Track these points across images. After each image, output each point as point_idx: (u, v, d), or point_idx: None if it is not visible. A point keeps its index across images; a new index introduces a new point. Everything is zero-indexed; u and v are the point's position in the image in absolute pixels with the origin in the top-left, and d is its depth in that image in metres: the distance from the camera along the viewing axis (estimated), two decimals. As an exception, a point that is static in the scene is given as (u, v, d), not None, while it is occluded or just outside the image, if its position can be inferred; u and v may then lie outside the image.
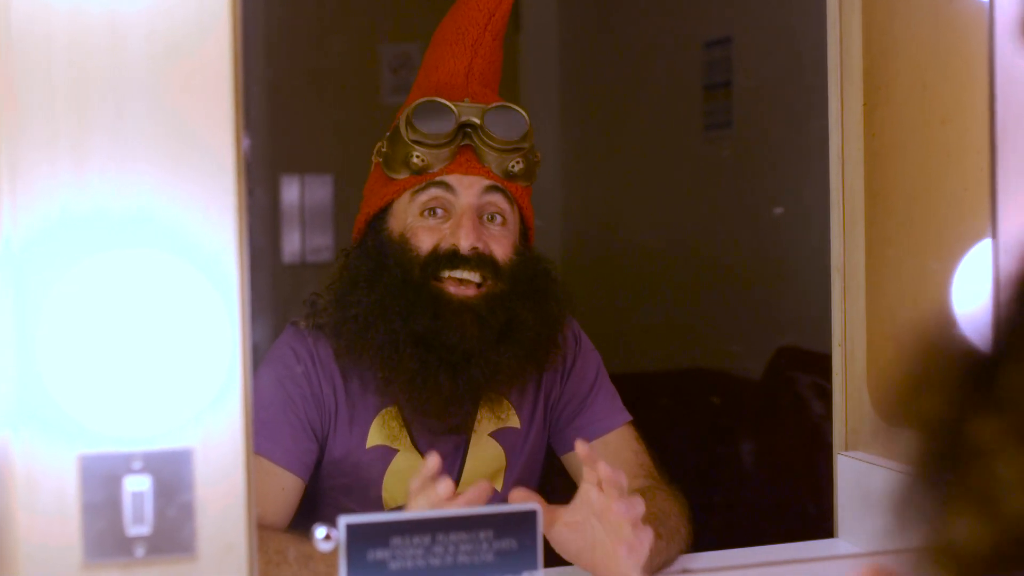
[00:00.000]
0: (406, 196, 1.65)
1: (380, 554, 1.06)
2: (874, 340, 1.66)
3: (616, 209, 4.18)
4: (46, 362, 0.97)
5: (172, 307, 0.99)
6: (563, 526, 1.42)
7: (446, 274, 1.62)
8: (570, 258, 4.21)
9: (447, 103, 1.62)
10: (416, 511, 1.33)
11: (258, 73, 4.01)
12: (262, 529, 1.26)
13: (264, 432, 1.60)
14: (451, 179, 1.63)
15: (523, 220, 1.71)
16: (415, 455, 1.70)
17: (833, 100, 1.70)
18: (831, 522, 1.74)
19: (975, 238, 1.41)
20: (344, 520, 1.05)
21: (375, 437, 1.69)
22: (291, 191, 4.17)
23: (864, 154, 1.66)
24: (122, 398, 0.98)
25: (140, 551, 0.99)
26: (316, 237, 4.16)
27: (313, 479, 1.69)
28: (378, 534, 1.06)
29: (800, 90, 3.11)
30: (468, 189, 1.63)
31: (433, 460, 1.38)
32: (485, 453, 1.74)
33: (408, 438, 1.70)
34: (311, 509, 1.71)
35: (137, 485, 0.99)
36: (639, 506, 1.39)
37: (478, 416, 1.71)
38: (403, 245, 1.64)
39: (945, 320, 1.24)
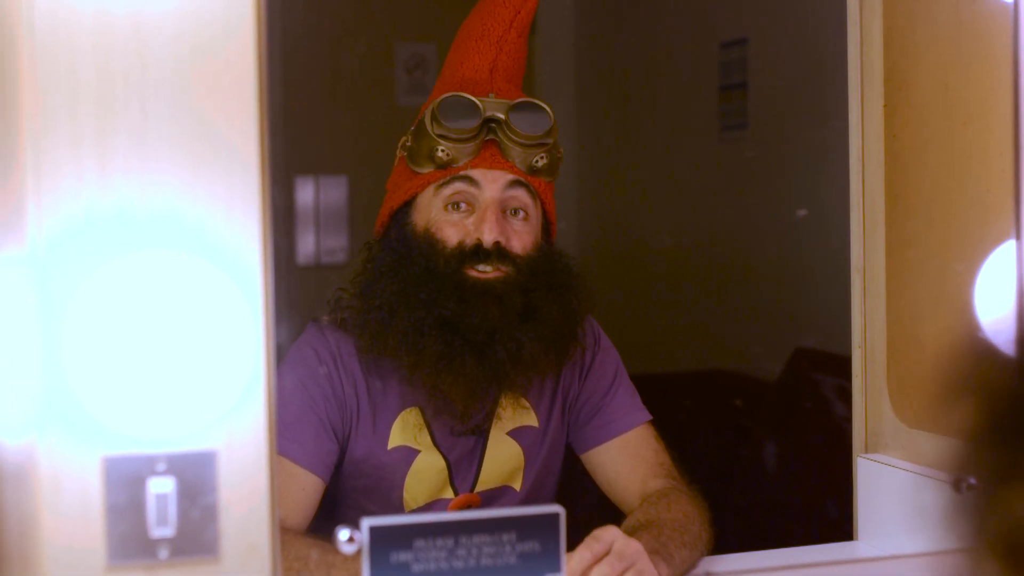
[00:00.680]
0: (430, 190, 1.66)
1: (403, 556, 1.06)
2: (894, 342, 1.66)
3: (632, 210, 4.18)
4: (70, 364, 0.97)
5: (196, 308, 0.99)
6: None
7: (469, 268, 1.62)
8: (586, 259, 4.21)
9: (472, 98, 1.62)
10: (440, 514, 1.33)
11: (274, 74, 4.01)
12: (284, 532, 1.26)
13: (285, 432, 1.61)
14: (475, 173, 1.63)
15: (545, 215, 1.71)
16: (436, 455, 1.70)
17: (853, 101, 1.70)
18: (851, 525, 1.73)
19: (998, 240, 1.40)
20: (367, 522, 1.05)
21: (396, 438, 1.69)
22: (306, 192, 4.17)
23: (885, 155, 1.66)
24: (146, 400, 0.98)
25: (164, 553, 0.99)
26: (331, 238, 4.16)
27: (334, 480, 1.69)
28: (401, 536, 1.06)
29: (816, 91, 3.11)
30: (492, 184, 1.63)
31: None
32: (503, 452, 1.74)
33: (429, 438, 1.70)
34: (331, 511, 1.71)
35: (161, 487, 0.99)
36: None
37: (496, 414, 1.71)
38: (428, 239, 1.64)
39: (979, 328, 1.24)
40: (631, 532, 1.47)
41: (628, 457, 1.75)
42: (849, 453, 1.74)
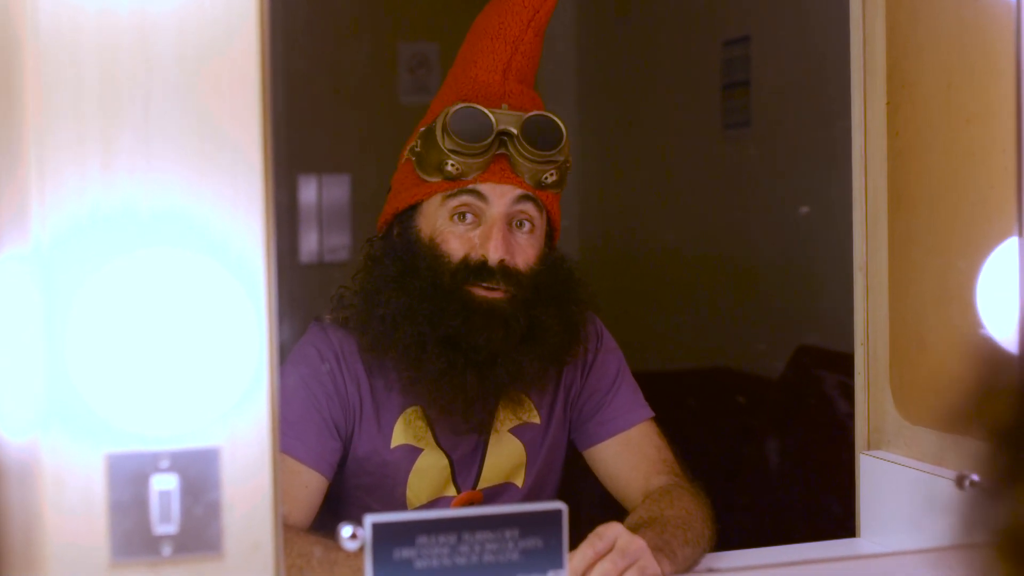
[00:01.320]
0: (437, 198, 1.65)
1: (406, 553, 1.06)
2: (897, 339, 1.66)
3: (634, 208, 4.18)
4: (74, 361, 0.97)
5: (199, 306, 0.99)
6: None
7: (474, 285, 1.62)
8: (588, 257, 4.21)
9: (485, 111, 1.61)
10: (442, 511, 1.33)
11: (277, 73, 4.01)
12: (287, 529, 1.26)
13: (288, 430, 1.61)
14: (484, 188, 1.63)
15: (550, 222, 1.71)
16: (439, 453, 1.70)
17: (856, 99, 1.70)
18: (853, 521, 1.73)
19: (1000, 237, 1.40)
20: (370, 519, 1.05)
21: (399, 436, 1.69)
22: (309, 190, 4.17)
23: (887, 153, 1.66)
24: (149, 397, 0.99)
25: (167, 550, 1.00)
26: (333, 237, 4.16)
27: (337, 478, 1.69)
28: (404, 533, 1.06)
29: (819, 89, 3.10)
30: (500, 198, 1.63)
31: None
32: (505, 449, 1.74)
33: (432, 436, 1.70)
34: (334, 508, 1.71)
35: (164, 484, 0.99)
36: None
37: (499, 413, 1.71)
38: (433, 251, 1.64)
39: (988, 332, 1.24)
40: (634, 529, 1.47)
41: (630, 454, 1.76)
42: (852, 450, 1.74)
